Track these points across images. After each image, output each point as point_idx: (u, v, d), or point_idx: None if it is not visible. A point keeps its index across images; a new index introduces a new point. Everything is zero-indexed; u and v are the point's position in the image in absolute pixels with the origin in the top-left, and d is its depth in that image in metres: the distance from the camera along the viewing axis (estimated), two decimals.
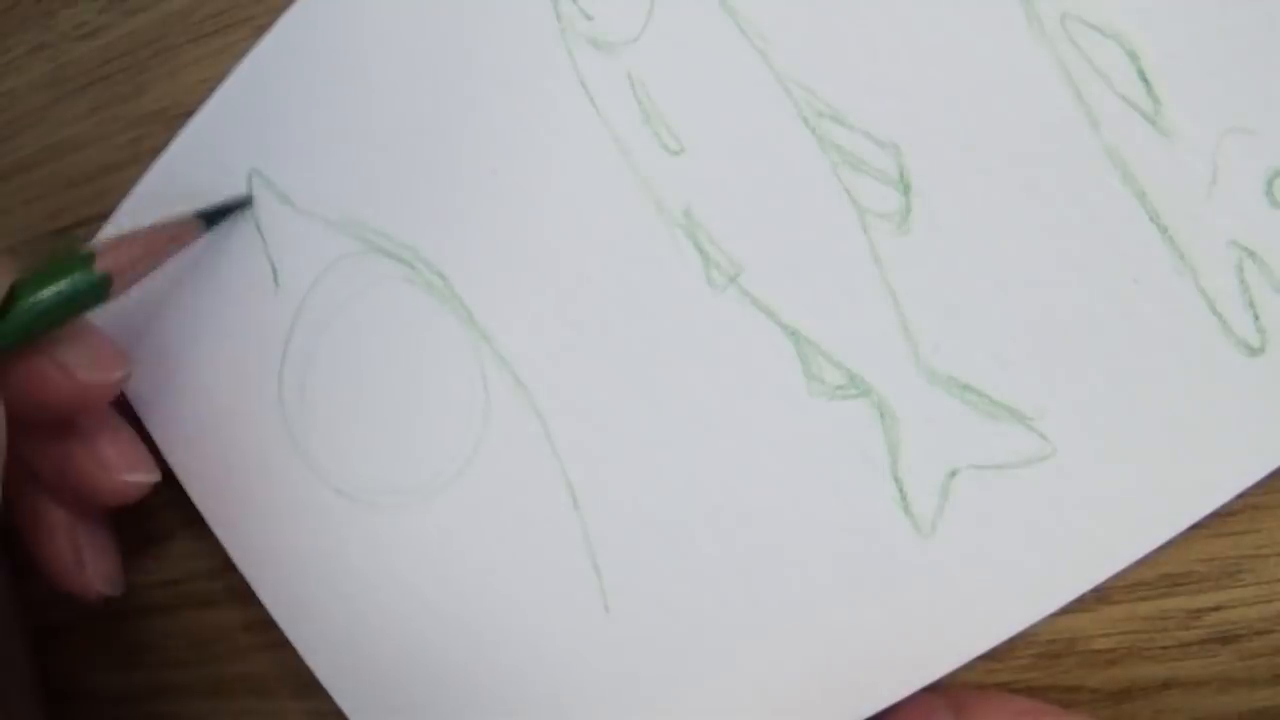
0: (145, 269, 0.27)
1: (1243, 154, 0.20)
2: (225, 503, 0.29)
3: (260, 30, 0.28)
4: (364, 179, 0.26)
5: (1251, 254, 0.20)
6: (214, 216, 0.27)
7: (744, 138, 0.23)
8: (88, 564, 0.29)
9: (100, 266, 0.25)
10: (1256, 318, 0.20)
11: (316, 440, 0.27)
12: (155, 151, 0.29)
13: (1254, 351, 0.20)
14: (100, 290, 0.25)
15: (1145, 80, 0.20)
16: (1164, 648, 0.24)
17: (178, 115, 0.31)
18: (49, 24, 0.33)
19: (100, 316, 0.30)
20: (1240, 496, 0.21)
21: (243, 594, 0.29)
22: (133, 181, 0.30)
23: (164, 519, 0.32)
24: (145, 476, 0.28)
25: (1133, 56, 0.20)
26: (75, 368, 0.26)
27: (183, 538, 0.32)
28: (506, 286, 0.25)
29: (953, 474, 0.22)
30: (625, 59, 0.24)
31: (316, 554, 0.28)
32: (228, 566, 0.29)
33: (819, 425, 0.23)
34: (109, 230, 0.30)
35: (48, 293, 0.25)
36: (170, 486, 0.30)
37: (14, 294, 0.25)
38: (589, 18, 0.24)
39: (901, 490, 0.22)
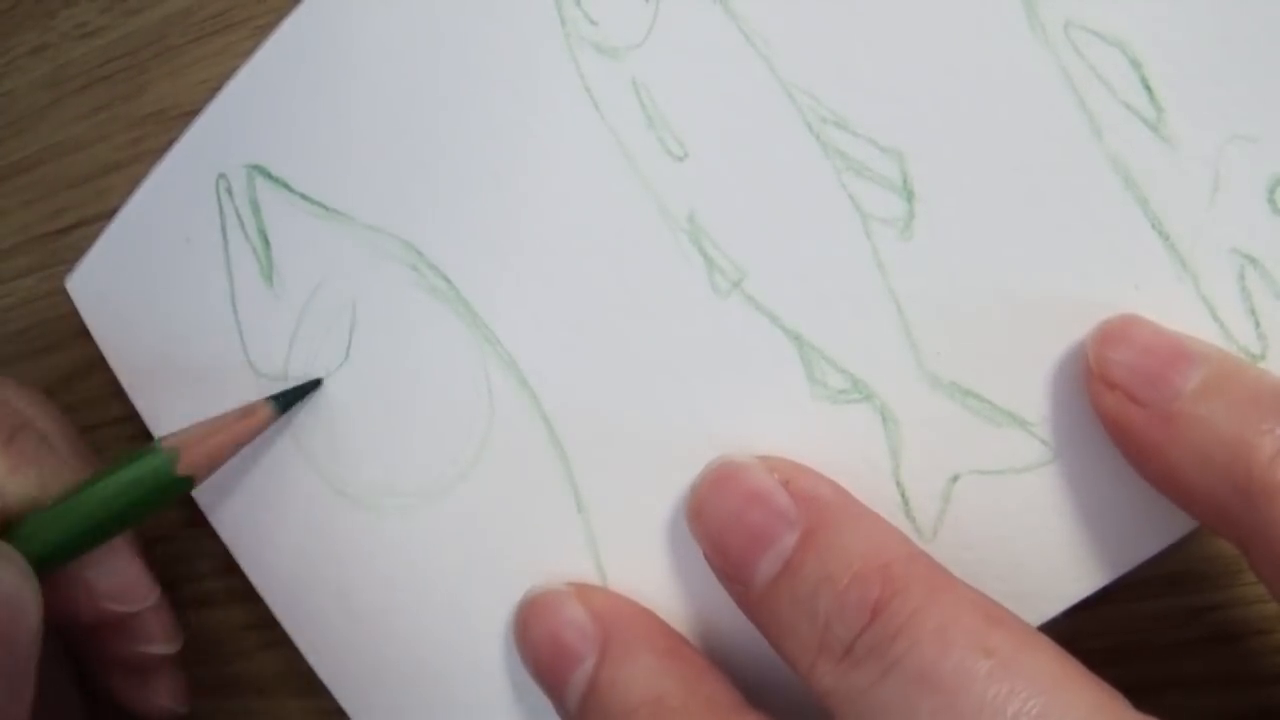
0: (222, 462, 0.26)
1: (1245, 161, 0.20)
2: (229, 503, 0.29)
3: (261, 31, 0.28)
4: (368, 182, 0.26)
5: (1253, 261, 0.20)
6: (288, 399, 0.27)
7: (748, 143, 0.23)
8: (151, 690, 0.29)
9: (183, 469, 0.25)
10: (1257, 324, 0.20)
11: (320, 441, 0.27)
12: (155, 151, 0.29)
13: (1254, 358, 0.20)
14: (183, 489, 0.25)
15: (1148, 88, 0.20)
16: (1164, 648, 0.24)
17: (178, 115, 0.31)
18: (49, 24, 0.33)
19: (101, 327, 0.30)
20: None
21: (244, 593, 0.29)
22: (133, 181, 0.30)
23: (165, 519, 0.32)
24: (166, 647, 0.28)
25: (1135, 64, 0.20)
26: (102, 596, 0.26)
27: (184, 538, 0.32)
28: (510, 290, 0.25)
29: (954, 479, 0.22)
30: (629, 64, 0.24)
31: (320, 555, 0.28)
32: (229, 566, 0.29)
33: (822, 429, 0.23)
34: (112, 233, 0.30)
35: (127, 492, 0.25)
36: None
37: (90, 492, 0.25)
38: (593, 23, 0.24)
39: (903, 494, 0.22)
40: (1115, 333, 0.20)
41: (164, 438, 0.26)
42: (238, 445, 0.26)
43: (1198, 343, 0.20)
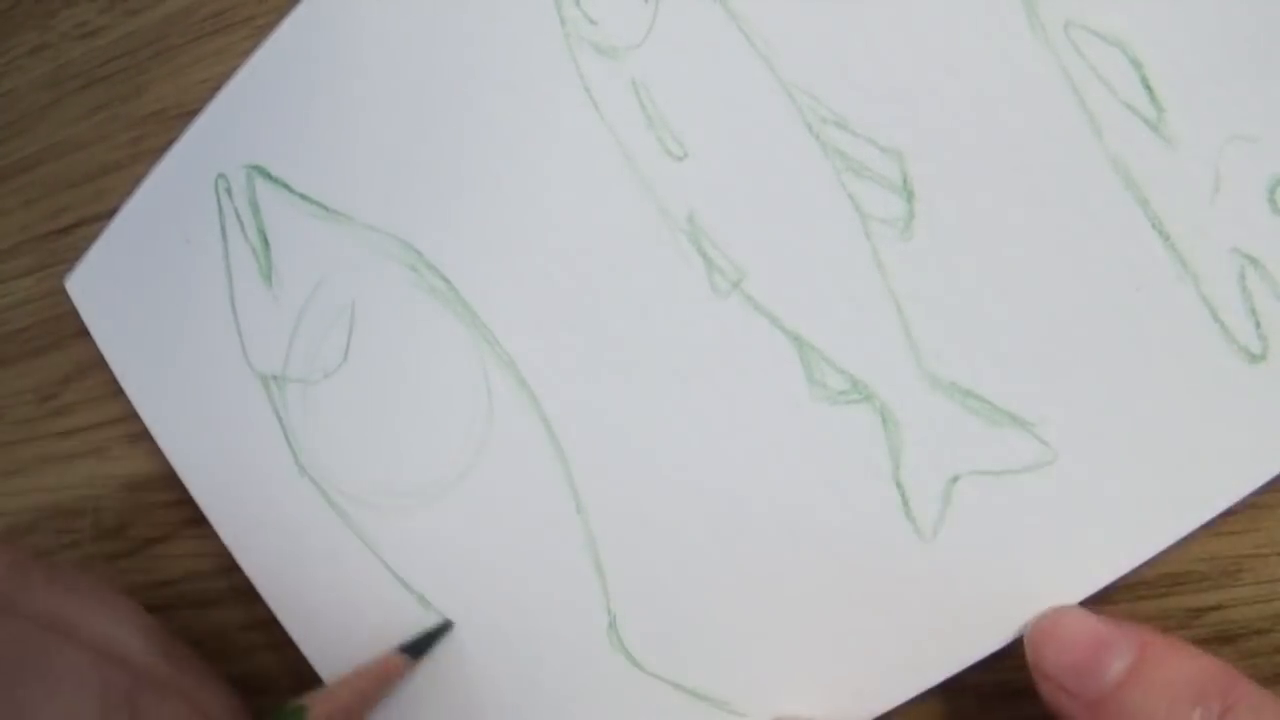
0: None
1: (1245, 161, 0.20)
2: (228, 504, 0.29)
3: (260, 31, 0.28)
4: (368, 182, 0.26)
5: (1253, 261, 0.20)
6: (419, 647, 0.27)
7: (747, 143, 0.23)
8: None
9: None
10: (1258, 325, 0.20)
11: (319, 442, 0.27)
12: (155, 151, 0.29)
13: (1255, 358, 0.20)
14: None
15: (1148, 88, 0.20)
16: None
17: (178, 115, 0.31)
18: (49, 24, 0.33)
19: (101, 327, 0.30)
20: None
21: (244, 593, 0.29)
22: (133, 181, 0.30)
23: (165, 519, 0.32)
24: None
25: (1136, 64, 0.20)
26: None
27: (183, 537, 0.32)
28: (510, 290, 0.25)
29: (954, 479, 0.22)
30: (629, 64, 0.24)
31: (320, 555, 0.28)
32: (229, 566, 0.29)
33: (821, 430, 0.23)
34: (112, 233, 0.30)
35: None
36: (171, 487, 0.30)
37: None
38: (593, 23, 0.24)
39: (903, 495, 0.22)
40: (1046, 629, 0.21)
41: (307, 704, 0.25)
42: (374, 699, 0.26)
43: (1124, 630, 0.21)
